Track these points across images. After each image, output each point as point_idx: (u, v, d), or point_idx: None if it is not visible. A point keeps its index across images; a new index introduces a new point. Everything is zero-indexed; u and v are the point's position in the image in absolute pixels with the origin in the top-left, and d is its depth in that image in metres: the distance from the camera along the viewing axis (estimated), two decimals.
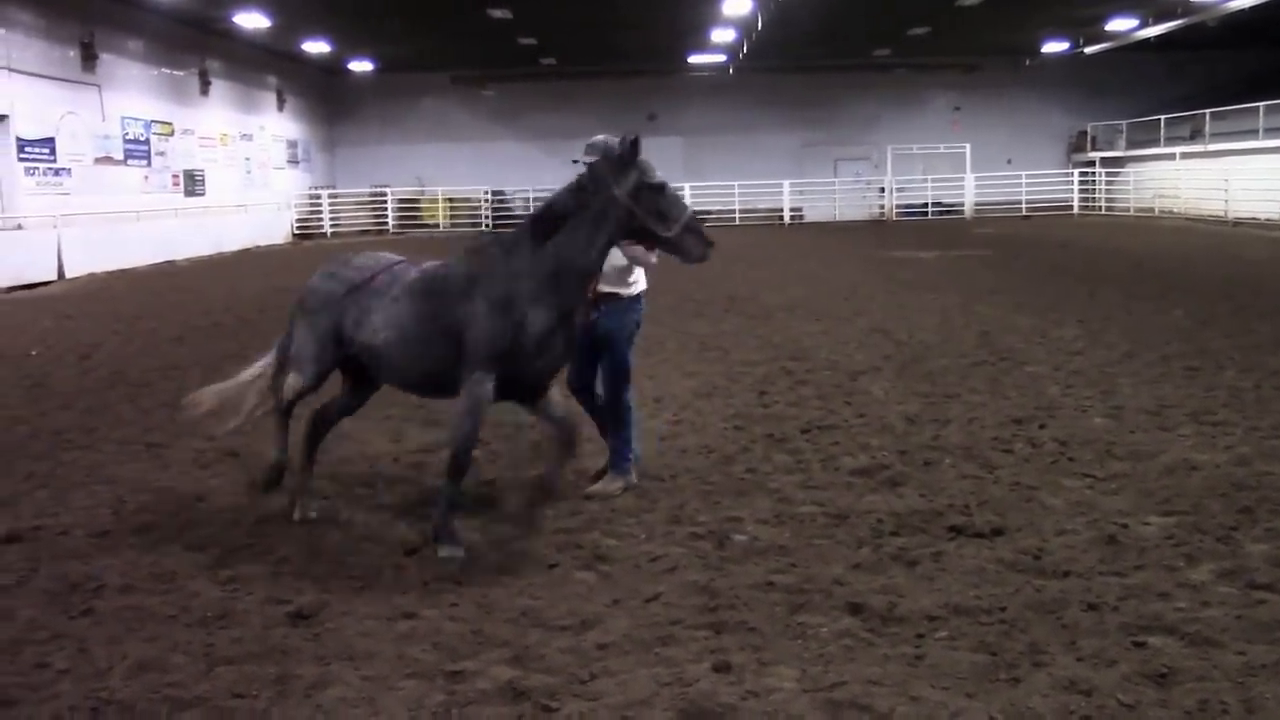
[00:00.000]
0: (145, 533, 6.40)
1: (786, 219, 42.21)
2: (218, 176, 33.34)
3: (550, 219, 6.00)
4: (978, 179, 42.67)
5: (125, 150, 28.03)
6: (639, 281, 6.97)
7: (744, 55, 38.33)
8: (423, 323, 6.04)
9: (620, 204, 5.92)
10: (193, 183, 31.76)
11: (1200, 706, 4.02)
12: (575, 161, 6.47)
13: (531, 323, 5.84)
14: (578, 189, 6.02)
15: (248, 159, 35.96)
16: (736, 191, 41.71)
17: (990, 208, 42.19)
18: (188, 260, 28.94)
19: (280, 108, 38.75)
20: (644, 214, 5.96)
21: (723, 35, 35.30)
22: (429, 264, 6.42)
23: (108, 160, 27.09)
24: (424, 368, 6.13)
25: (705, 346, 12.64)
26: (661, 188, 6.05)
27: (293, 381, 6.56)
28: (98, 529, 6.49)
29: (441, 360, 6.00)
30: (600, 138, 6.68)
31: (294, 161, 40.37)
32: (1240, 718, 3.95)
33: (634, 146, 5.98)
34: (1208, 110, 36.81)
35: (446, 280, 6.12)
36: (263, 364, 6.84)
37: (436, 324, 5.99)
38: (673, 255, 6.18)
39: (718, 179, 41.49)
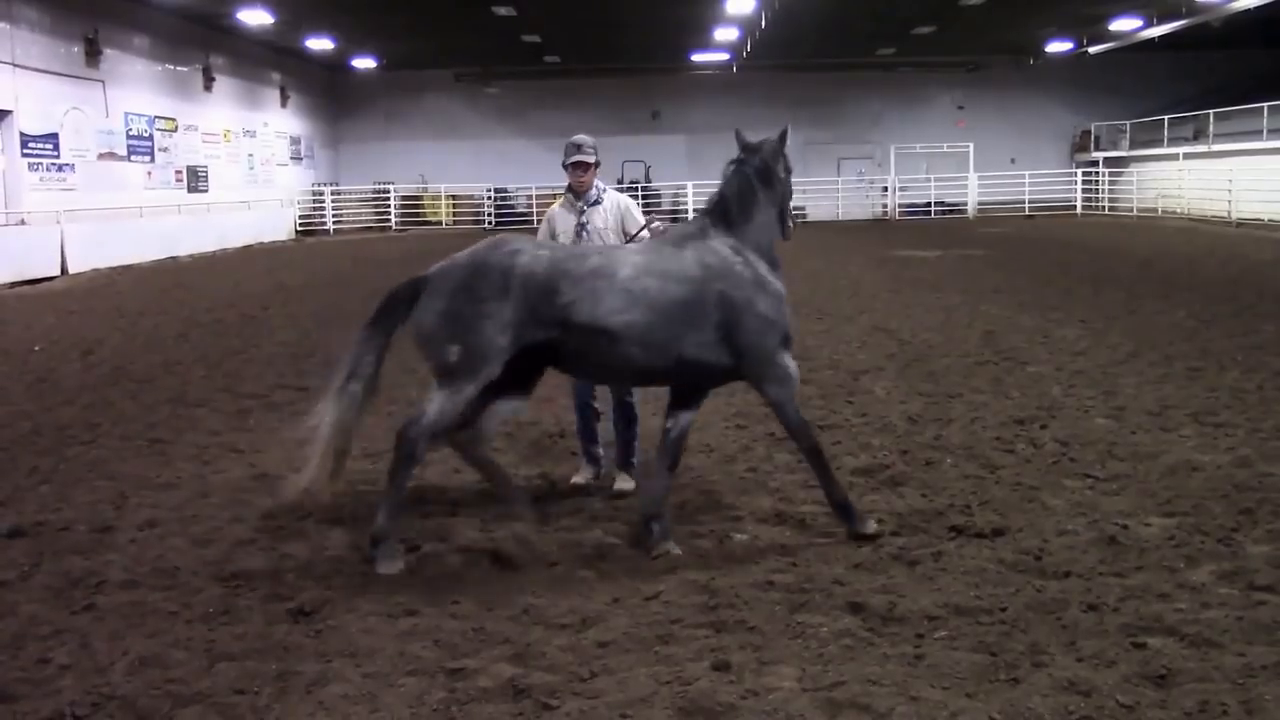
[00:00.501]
0: (147, 528, 6.42)
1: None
2: (221, 173, 33.38)
3: (735, 206, 6.22)
4: (981, 178, 42.65)
5: (129, 146, 28.07)
6: None
7: (747, 53, 38.33)
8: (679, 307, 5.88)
9: (788, 185, 6.43)
10: (196, 179, 31.81)
11: (1200, 707, 4.02)
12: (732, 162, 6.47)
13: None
14: (759, 175, 6.27)
15: (251, 155, 36.00)
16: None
17: (993, 207, 42.17)
18: (191, 256, 28.99)
19: (284, 104, 38.79)
20: (785, 198, 6.42)
21: (726, 34, 35.31)
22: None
23: (111, 156, 27.14)
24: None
25: None
26: (790, 171, 6.50)
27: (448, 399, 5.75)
28: (100, 524, 6.50)
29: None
30: (581, 137, 7.01)
31: (297, 158, 40.41)
32: (1240, 718, 3.95)
33: (784, 135, 6.39)
34: (1211, 111, 36.77)
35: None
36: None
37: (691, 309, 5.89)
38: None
39: (721, 177, 41.32)
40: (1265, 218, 32.05)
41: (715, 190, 6.37)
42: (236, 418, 9.46)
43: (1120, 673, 4.32)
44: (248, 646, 4.76)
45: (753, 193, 6.24)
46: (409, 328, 5.85)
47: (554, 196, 38.99)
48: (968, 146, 42.51)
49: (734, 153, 6.43)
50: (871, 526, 6.03)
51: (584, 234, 6.97)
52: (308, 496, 6.06)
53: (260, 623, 5.03)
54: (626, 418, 7.17)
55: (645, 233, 7.01)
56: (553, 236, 7.03)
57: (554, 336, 5.78)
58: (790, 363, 6.08)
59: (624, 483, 7.03)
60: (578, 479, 7.25)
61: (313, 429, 5.79)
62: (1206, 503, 6.45)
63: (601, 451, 7.33)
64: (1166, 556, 5.61)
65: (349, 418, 5.78)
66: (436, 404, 5.72)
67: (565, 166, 7.06)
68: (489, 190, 42.40)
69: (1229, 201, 34.10)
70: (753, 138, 6.45)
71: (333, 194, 41.48)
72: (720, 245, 6.05)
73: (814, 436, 6.23)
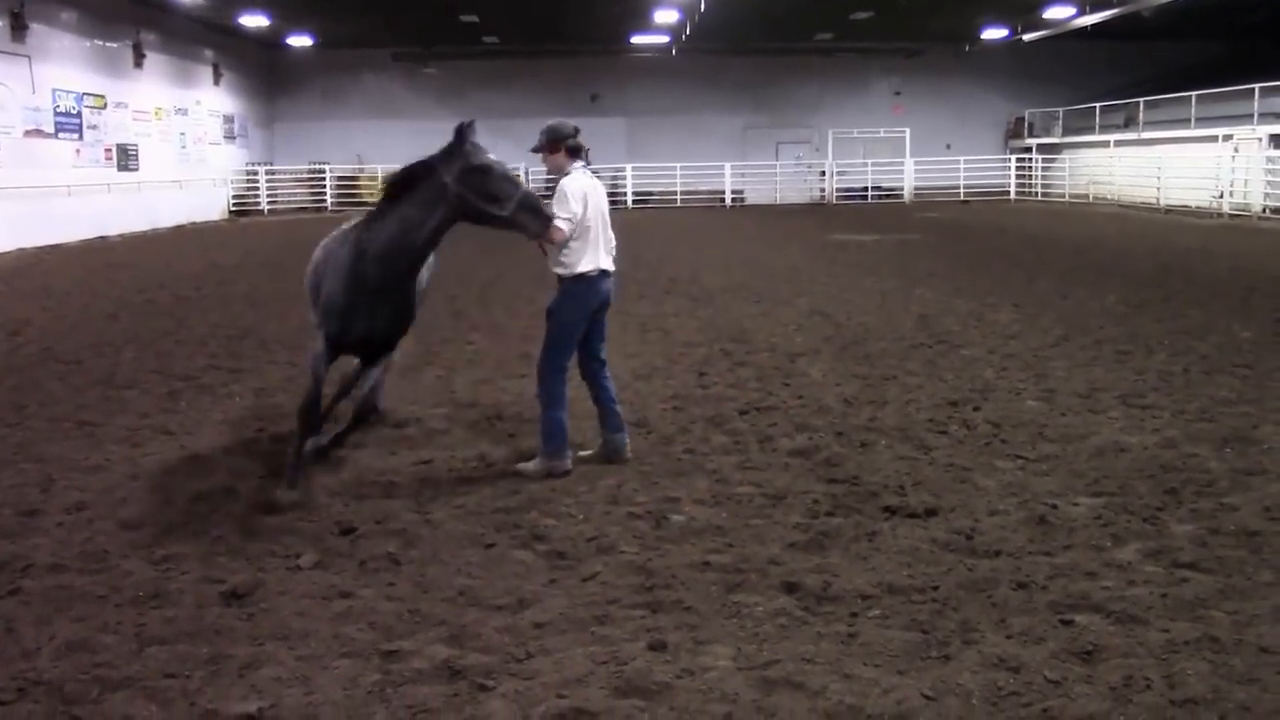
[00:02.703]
0: (75, 511, 6.31)
1: (728, 201, 42.33)
2: (152, 151, 32.72)
3: (389, 196, 6.63)
4: (917, 163, 43.01)
5: (56, 123, 27.42)
6: (578, 263, 6.90)
7: (687, 36, 38.25)
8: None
9: (450, 189, 6.47)
10: (126, 157, 31.16)
11: (1125, 682, 4.11)
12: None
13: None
14: (409, 175, 6.61)
15: (183, 134, 35.32)
16: (678, 173, 41.71)
17: (929, 192, 42.56)
18: (121, 236, 28.49)
19: (217, 82, 38.08)
20: (475, 197, 6.47)
21: (666, 16, 35.22)
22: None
23: (38, 133, 26.50)
24: None
25: (646, 328, 12.66)
26: (487, 169, 6.45)
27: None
28: (26, 508, 6.38)
29: None
30: (551, 123, 7.07)
31: (231, 137, 39.71)
32: (1163, 693, 4.04)
33: (459, 134, 6.53)
34: (1142, 99, 37.38)
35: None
36: None
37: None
38: (515, 232, 6.74)
39: (660, 160, 41.44)
40: (1192, 205, 32.68)
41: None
42: (167, 399, 9.32)
43: (1048, 649, 4.40)
44: (179, 630, 4.70)
45: (404, 188, 6.61)
46: None
47: None
48: (904, 132, 42.84)
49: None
50: (291, 498, 6.40)
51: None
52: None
53: (191, 606, 4.97)
54: (543, 397, 7.11)
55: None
56: None
57: None
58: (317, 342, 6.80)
59: (526, 463, 7.05)
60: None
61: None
62: (1133, 483, 6.58)
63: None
64: (1094, 536, 5.72)
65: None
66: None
67: None
68: None
69: (1158, 188, 34.71)
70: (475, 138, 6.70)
71: (267, 174, 40.90)
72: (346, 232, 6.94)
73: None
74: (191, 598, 5.06)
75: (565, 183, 6.85)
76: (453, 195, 6.46)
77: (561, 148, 6.97)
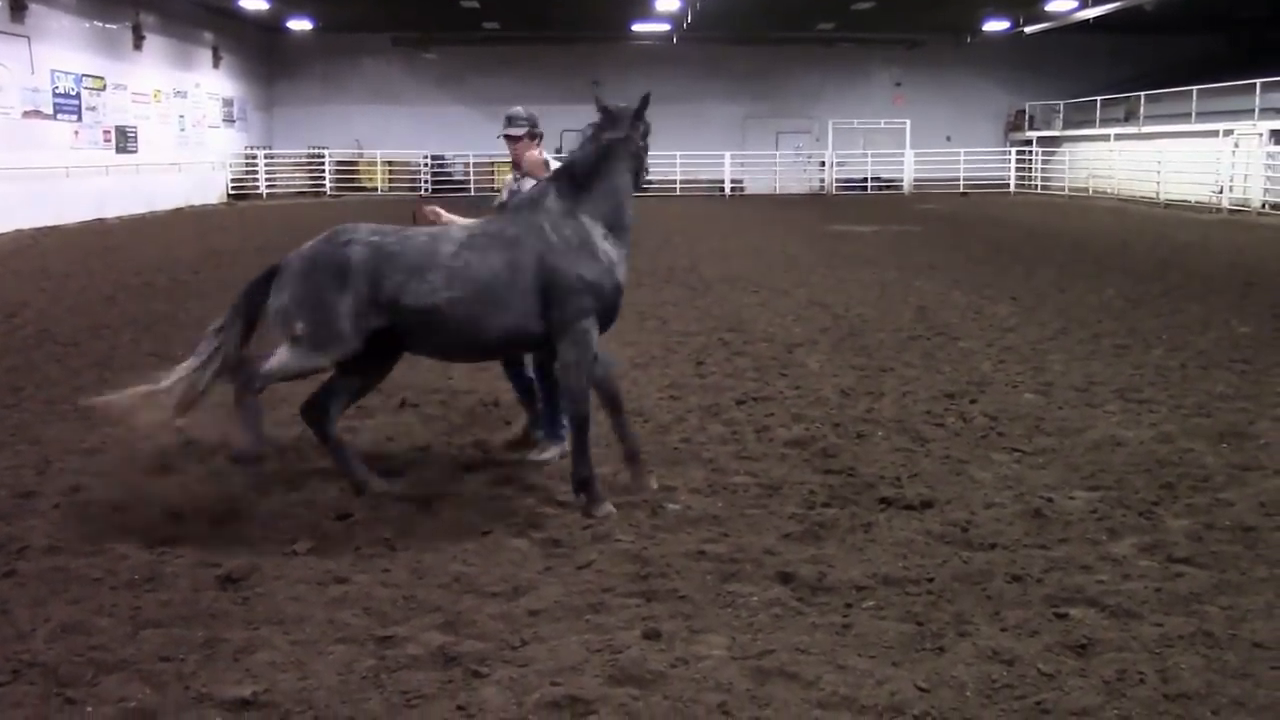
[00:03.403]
0: (72, 494, 6.31)
1: (728, 191, 42.28)
2: (151, 134, 32.64)
3: (581, 173, 6.27)
4: (917, 155, 42.99)
5: (55, 104, 27.35)
6: None
7: (688, 25, 38.19)
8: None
9: (643, 153, 6.45)
10: (125, 139, 31.08)
11: (1118, 676, 4.12)
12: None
13: None
14: (614, 142, 6.30)
15: (182, 116, 35.24)
16: (678, 162, 41.62)
17: (928, 184, 42.54)
18: (119, 219, 28.42)
19: (216, 65, 37.99)
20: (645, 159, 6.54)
21: (667, 4, 35.16)
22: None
23: (36, 114, 26.43)
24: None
25: (644, 316, 12.65)
26: (649, 132, 6.54)
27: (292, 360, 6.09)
28: (22, 490, 6.38)
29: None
30: (515, 109, 7.05)
31: (230, 120, 39.63)
32: (1156, 687, 4.05)
33: (646, 101, 6.35)
34: (1143, 93, 37.35)
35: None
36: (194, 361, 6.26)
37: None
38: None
39: (660, 149, 40.84)
40: (1192, 199, 32.67)
41: (567, 157, 6.46)
42: None
43: (1042, 642, 4.41)
44: (173, 613, 4.70)
45: (609, 165, 6.26)
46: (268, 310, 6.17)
47: (492, 165, 38.48)
48: (905, 123, 42.79)
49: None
50: (607, 511, 5.98)
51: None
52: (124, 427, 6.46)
53: (187, 589, 4.97)
54: (549, 387, 7.06)
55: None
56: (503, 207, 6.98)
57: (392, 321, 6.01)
58: (592, 328, 6.11)
59: (544, 452, 7.01)
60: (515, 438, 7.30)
61: (159, 388, 6.11)
62: (1129, 477, 6.59)
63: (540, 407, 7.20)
64: (1089, 529, 5.72)
65: (198, 384, 6.14)
66: (279, 358, 6.07)
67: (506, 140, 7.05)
68: (426, 157, 41.99)
69: (1157, 182, 34.69)
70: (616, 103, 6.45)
71: (266, 158, 40.83)
72: (555, 212, 6.14)
73: (587, 408, 6.19)
74: (187, 581, 5.06)
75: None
76: (642, 158, 6.43)
77: (540, 142, 6.98)
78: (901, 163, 43.21)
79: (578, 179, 6.21)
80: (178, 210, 32.31)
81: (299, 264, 6.10)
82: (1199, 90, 33.70)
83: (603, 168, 6.23)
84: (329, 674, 4.16)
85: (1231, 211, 30.32)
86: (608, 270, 6.13)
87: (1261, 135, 31.03)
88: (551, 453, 6.98)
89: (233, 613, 4.72)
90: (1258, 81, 30.99)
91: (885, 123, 43.11)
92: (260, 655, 4.31)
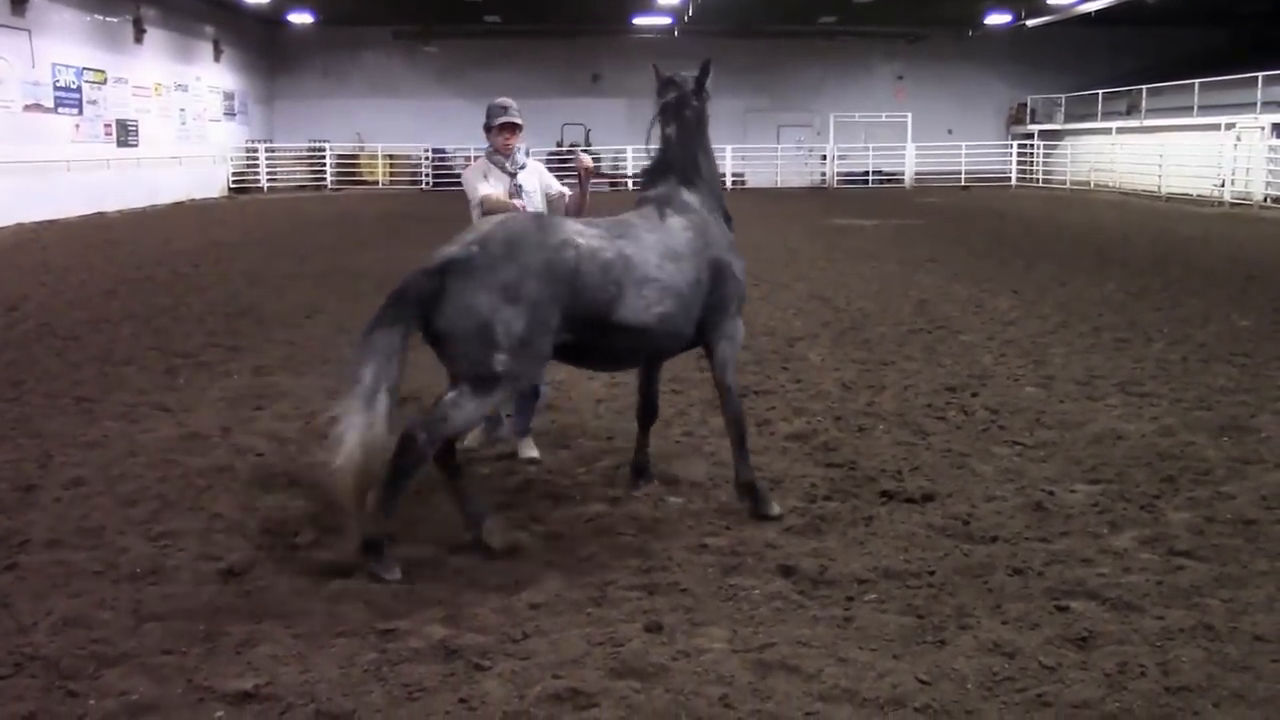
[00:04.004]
0: (73, 487, 6.31)
1: (729, 184, 42.22)
2: (151, 127, 32.62)
3: (689, 160, 6.10)
4: (918, 148, 42.91)
5: (56, 98, 27.33)
6: None
7: (689, 18, 38.15)
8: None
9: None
10: (125, 133, 31.06)
11: (1119, 669, 4.12)
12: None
13: None
14: (698, 119, 6.13)
15: (183, 110, 35.21)
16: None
17: (930, 177, 42.47)
18: (119, 212, 28.42)
19: (217, 58, 37.96)
20: None
21: None
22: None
23: (37, 108, 26.40)
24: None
25: None
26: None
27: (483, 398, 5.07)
28: (24, 483, 6.38)
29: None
30: (505, 99, 6.99)
31: (230, 114, 39.60)
32: (1158, 680, 4.05)
33: (705, 69, 6.16)
34: (1144, 86, 37.31)
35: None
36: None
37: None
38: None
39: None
40: (1193, 193, 32.63)
41: (662, 142, 6.08)
42: (165, 376, 9.32)
43: (1043, 635, 4.41)
44: (175, 607, 4.70)
45: (699, 141, 6.07)
46: (438, 325, 5.00)
47: None
48: (906, 116, 42.72)
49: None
50: (776, 509, 5.85)
51: (521, 197, 6.89)
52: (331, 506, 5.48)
53: (188, 583, 4.97)
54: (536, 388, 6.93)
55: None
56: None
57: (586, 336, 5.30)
58: (740, 324, 6.03)
59: (530, 449, 6.94)
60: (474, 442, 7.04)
61: (336, 447, 4.85)
62: (1130, 470, 6.59)
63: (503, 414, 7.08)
64: (1090, 522, 5.73)
65: (378, 435, 4.83)
66: (465, 410, 5.02)
67: (491, 128, 6.95)
68: (427, 151, 41.95)
69: (1159, 176, 34.65)
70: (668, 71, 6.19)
71: (267, 151, 40.80)
72: (696, 207, 5.88)
73: (741, 404, 6.08)
74: (189, 574, 5.06)
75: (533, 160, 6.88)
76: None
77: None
78: (903, 156, 43.15)
79: (685, 167, 5.96)
80: (178, 204, 32.31)
81: (504, 266, 4.98)
82: (1201, 84, 33.66)
83: (695, 148, 6.00)
84: (330, 667, 4.16)
85: (1233, 205, 30.29)
86: (742, 262, 6.03)
87: (1263, 129, 30.98)
88: (533, 450, 6.92)
89: (235, 606, 4.72)
90: (1259, 75, 30.95)
91: (887, 116, 43.02)
92: (262, 648, 4.31)
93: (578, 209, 6.89)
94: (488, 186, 6.81)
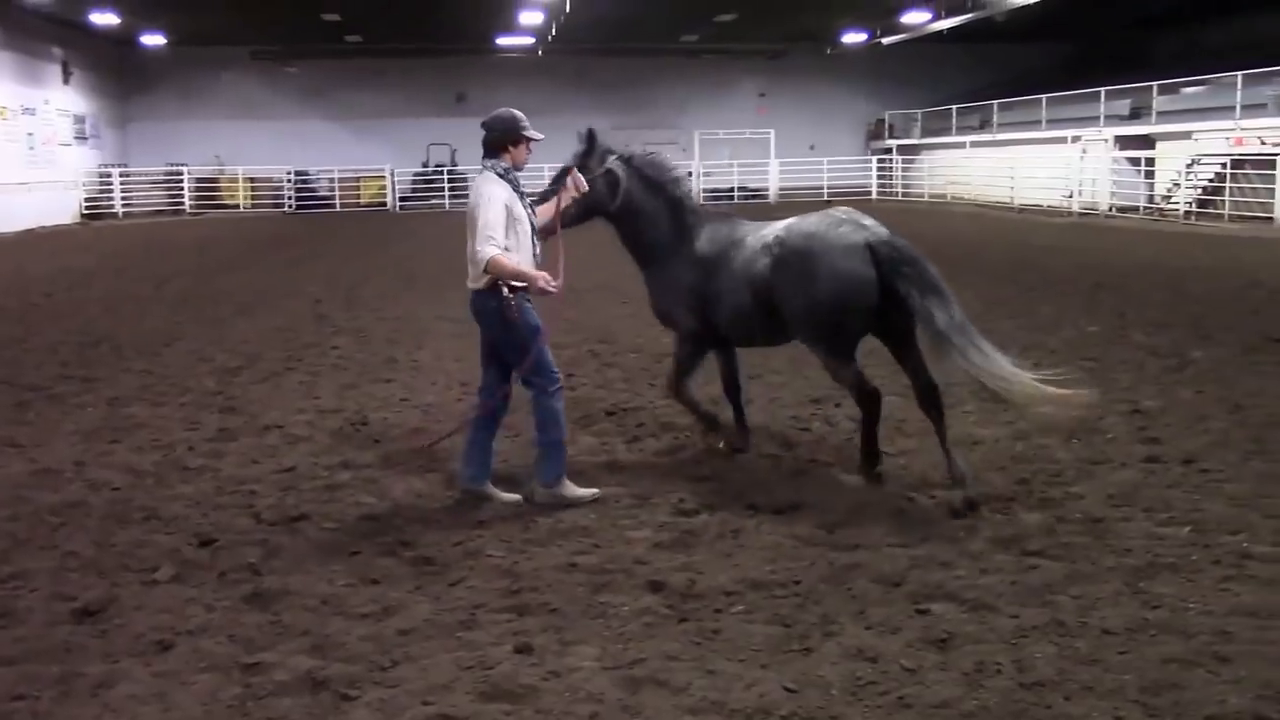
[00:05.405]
0: None
1: None
2: None
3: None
4: (782, 164, 43.70)
5: None
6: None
7: (553, 37, 38.30)
8: None
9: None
10: None
11: (977, 668, 4.25)
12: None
13: None
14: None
15: (31, 134, 34.00)
16: (545, 173, 41.38)
17: (793, 192, 43.19)
18: None
19: (66, 81, 36.75)
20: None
21: (531, 17, 35.17)
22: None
23: None
24: None
25: None
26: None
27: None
28: None
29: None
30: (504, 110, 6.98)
31: (82, 138, 38.37)
32: (1013, 677, 4.19)
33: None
34: (996, 101, 38.61)
35: None
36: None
37: None
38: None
39: (527, 162, 41.16)
40: (1044, 204, 33.86)
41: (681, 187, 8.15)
42: (16, 410, 8.98)
43: (905, 639, 4.53)
44: (28, 649, 4.54)
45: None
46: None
47: (357, 179, 37.59)
48: (769, 133, 43.49)
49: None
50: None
51: (528, 209, 6.78)
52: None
53: (41, 624, 4.80)
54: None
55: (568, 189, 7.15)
56: (509, 214, 6.68)
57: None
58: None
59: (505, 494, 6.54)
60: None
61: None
62: (986, 474, 6.79)
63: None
64: (949, 527, 5.89)
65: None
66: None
67: (520, 140, 6.96)
68: (289, 173, 41.21)
69: (1011, 188, 35.87)
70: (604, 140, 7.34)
71: (121, 176, 39.63)
72: None
73: None
74: (41, 615, 4.89)
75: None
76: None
77: None
78: (767, 172, 43.86)
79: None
80: (28, 231, 31.15)
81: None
82: (1048, 99, 35.00)
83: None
84: (193, 705, 4.07)
85: (1081, 215, 31.49)
86: None
87: (1106, 141, 32.33)
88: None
89: (90, 646, 4.58)
90: (1102, 90, 32.29)
91: (750, 133, 43.74)
92: (120, 688, 4.19)
93: (552, 227, 6.87)
94: (514, 201, 6.71)
